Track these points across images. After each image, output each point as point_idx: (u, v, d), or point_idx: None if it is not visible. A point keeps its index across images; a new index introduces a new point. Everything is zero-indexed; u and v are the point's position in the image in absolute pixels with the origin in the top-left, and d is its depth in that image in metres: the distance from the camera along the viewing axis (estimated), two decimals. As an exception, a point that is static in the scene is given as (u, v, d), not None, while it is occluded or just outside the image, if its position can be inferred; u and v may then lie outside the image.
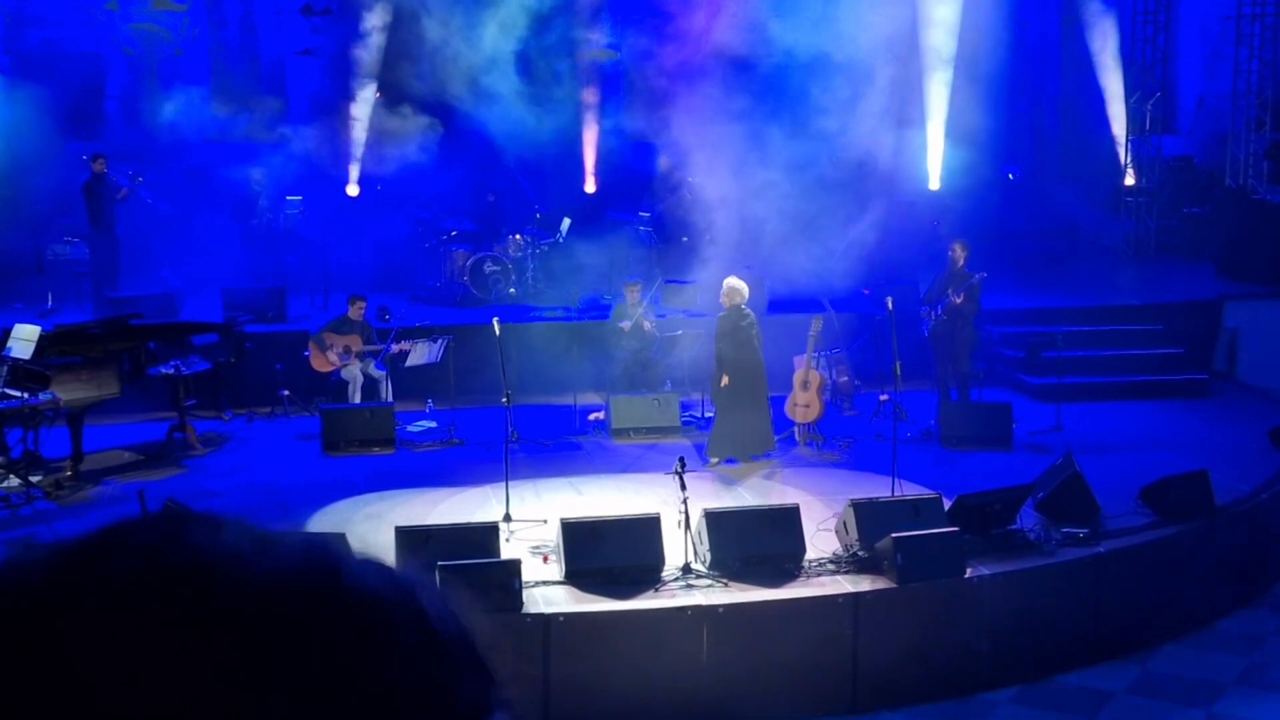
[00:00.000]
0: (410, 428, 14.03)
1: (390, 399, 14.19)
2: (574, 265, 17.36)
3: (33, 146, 19.97)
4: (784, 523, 10.35)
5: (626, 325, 14.61)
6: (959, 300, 13.97)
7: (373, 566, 0.88)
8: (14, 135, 20.28)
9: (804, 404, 13.46)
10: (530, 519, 11.14)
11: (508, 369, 12.22)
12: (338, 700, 0.80)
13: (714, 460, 12.75)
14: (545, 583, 9.91)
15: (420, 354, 14.26)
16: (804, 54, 16.99)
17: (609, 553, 9.99)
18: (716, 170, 18.06)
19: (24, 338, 12.08)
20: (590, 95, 19.58)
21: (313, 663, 0.80)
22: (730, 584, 9.92)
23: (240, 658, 0.79)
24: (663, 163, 19.05)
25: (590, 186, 19.57)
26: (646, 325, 14.64)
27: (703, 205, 18.39)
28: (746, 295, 12.98)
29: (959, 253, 14.34)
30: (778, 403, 13.77)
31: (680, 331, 15.07)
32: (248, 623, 0.80)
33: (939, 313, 14.14)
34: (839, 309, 15.09)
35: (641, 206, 18.63)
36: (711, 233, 18.08)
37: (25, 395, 11.67)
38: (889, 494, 11.22)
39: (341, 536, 9.90)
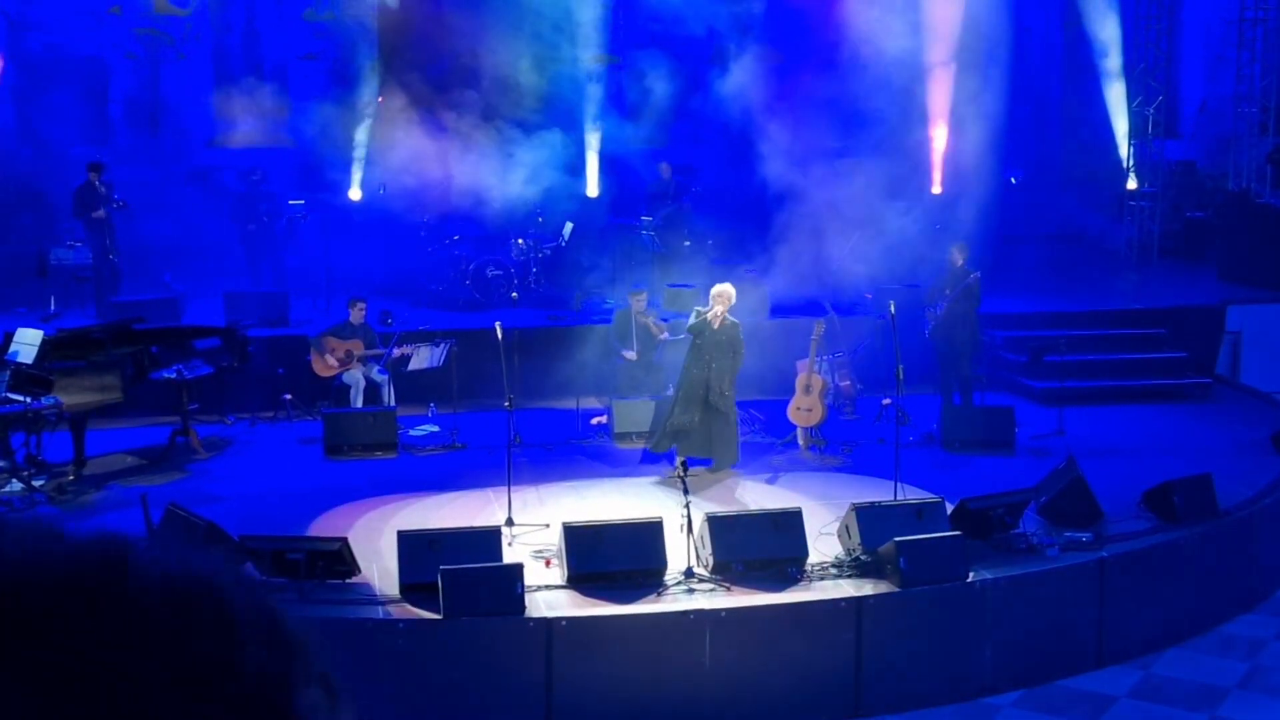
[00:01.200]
0: (412, 432, 14.03)
1: (392, 403, 14.19)
2: (576, 269, 17.36)
3: (36, 151, 20.02)
4: (786, 527, 10.35)
5: (631, 355, 14.54)
6: (948, 292, 13.98)
7: (163, 556, 0.89)
8: (17, 139, 20.31)
9: (806, 408, 13.45)
10: (533, 523, 11.14)
11: (510, 373, 12.22)
12: (122, 685, 0.81)
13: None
14: (548, 587, 9.90)
15: (422, 358, 14.26)
16: (805, 55, 16.97)
17: (611, 557, 9.98)
18: (719, 175, 18.09)
19: (27, 342, 12.09)
20: (592, 100, 19.58)
21: (93, 652, 0.81)
22: (733, 588, 9.92)
23: (15, 654, 0.80)
24: (664, 169, 19.05)
25: (593, 191, 19.57)
26: (654, 329, 14.60)
27: (705, 209, 18.43)
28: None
29: (957, 255, 14.34)
30: (780, 406, 13.78)
31: (684, 335, 15.04)
32: (22, 624, 0.81)
33: (938, 312, 14.15)
34: (841, 313, 15.08)
35: (644, 211, 18.63)
36: (714, 237, 18.12)
37: (28, 399, 11.68)
38: (891, 498, 11.21)
39: (344, 541, 9.93)
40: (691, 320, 12.66)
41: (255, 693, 0.86)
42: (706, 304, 12.63)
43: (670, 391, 13.17)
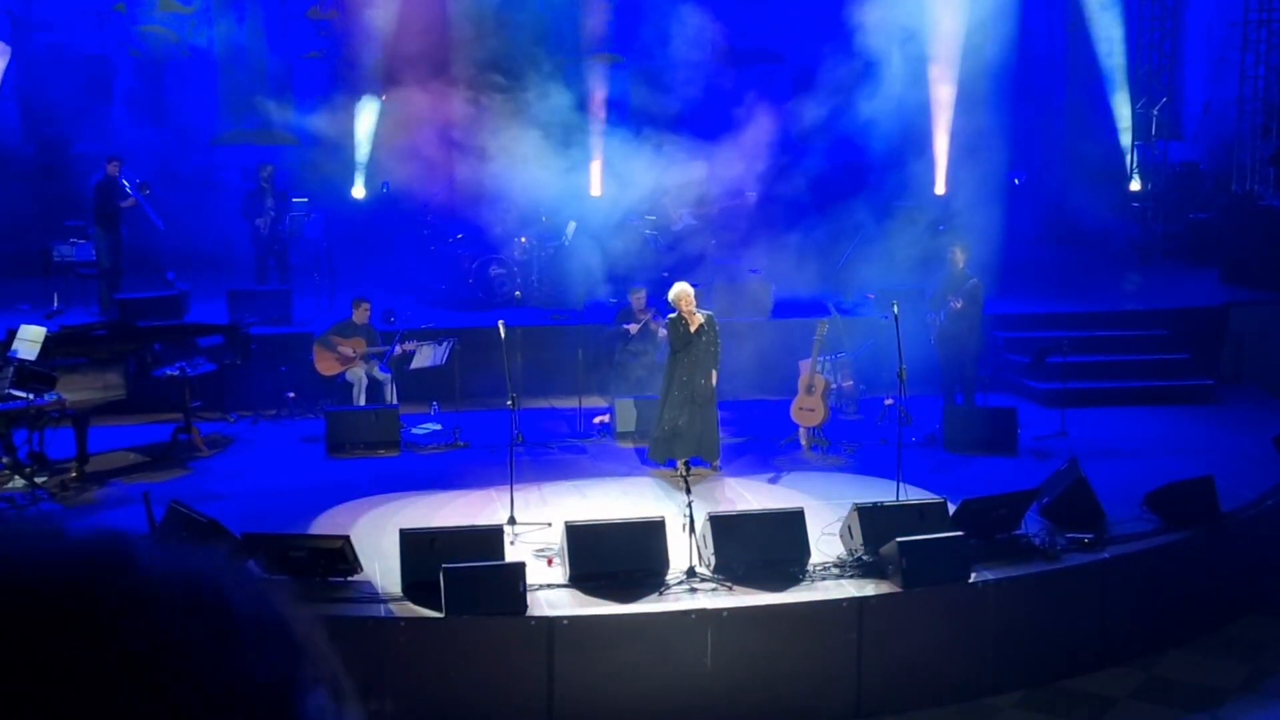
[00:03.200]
0: (415, 430, 14.04)
1: (395, 401, 14.20)
2: (579, 268, 17.36)
3: (41, 148, 20.03)
4: (789, 527, 10.34)
5: (634, 327, 14.57)
6: (958, 305, 13.96)
7: (166, 555, 0.89)
8: (22, 136, 20.32)
9: (809, 408, 13.45)
10: (535, 522, 11.14)
11: (513, 372, 12.22)
12: (123, 686, 0.80)
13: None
14: (549, 586, 9.90)
15: (425, 356, 14.26)
16: (806, 56, 16.97)
17: (613, 556, 9.98)
18: (719, 174, 18.08)
19: (30, 339, 12.10)
20: (596, 98, 19.58)
21: (93, 653, 0.80)
22: (734, 588, 9.91)
23: (17, 655, 0.79)
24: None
25: (596, 190, 19.57)
26: (654, 327, 14.61)
27: (705, 209, 18.42)
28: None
29: (959, 256, 14.33)
30: (783, 406, 13.78)
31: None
32: (24, 623, 0.80)
33: (941, 319, 14.13)
34: (844, 313, 15.07)
35: (648, 210, 18.62)
36: (714, 236, 18.12)
37: (31, 396, 11.69)
38: (894, 498, 11.20)
39: (346, 539, 9.94)
40: (670, 336, 12.59)
41: (260, 694, 0.85)
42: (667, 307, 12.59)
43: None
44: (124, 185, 16.47)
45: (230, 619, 0.87)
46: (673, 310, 12.57)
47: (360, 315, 14.57)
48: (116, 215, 16.46)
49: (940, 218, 18.14)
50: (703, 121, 18.11)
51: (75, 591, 0.83)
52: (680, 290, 12.47)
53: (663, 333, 14.29)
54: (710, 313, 12.64)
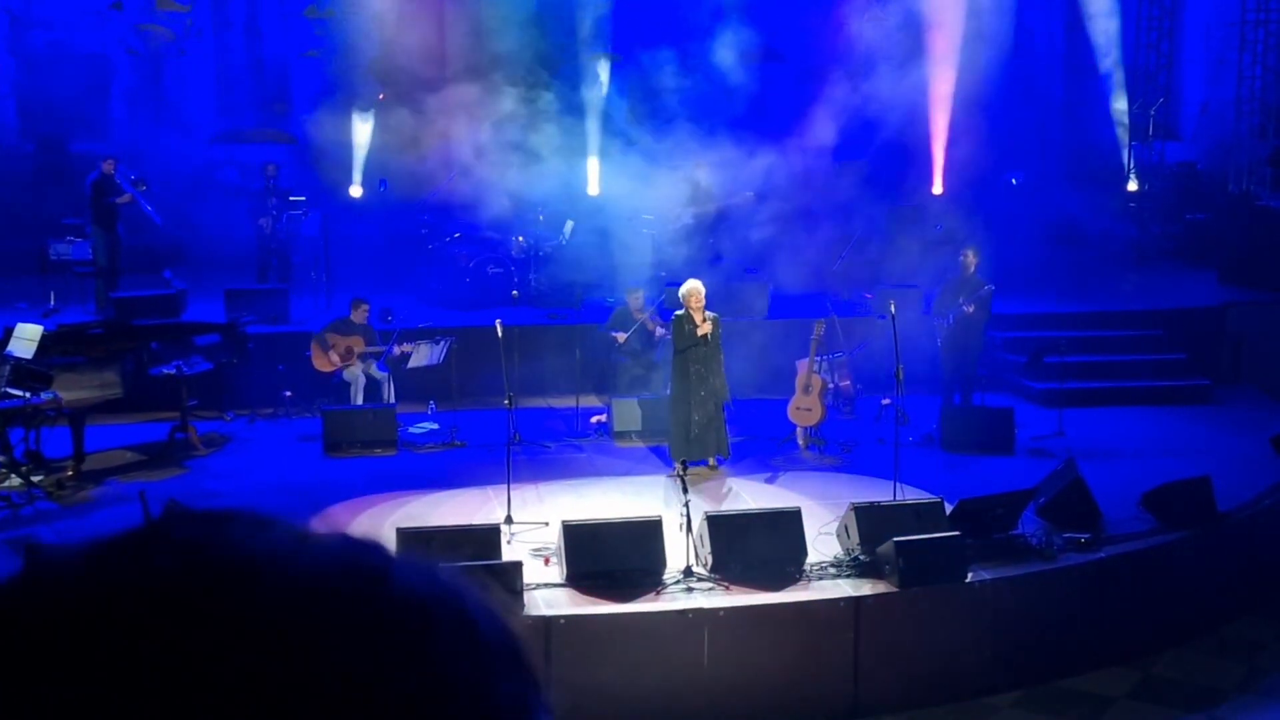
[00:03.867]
0: (412, 429, 14.03)
1: (392, 400, 14.19)
2: (577, 267, 17.35)
3: (39, 147, 20.02)
4: (785, 526, 10.34)
5: (621, 337, 14.55)
6: (970, 310, 13.96)
7: (418, 567, 0.86)
8: (19, 135, 20.31)
9: (806, 408, 13.45)
10: (532, 521, 11.14)
11: (510, 371, 12.22)
12: (379, 702, 0.78)
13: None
14: (546, 585, 9.91)
15: (422, 355, 14.26)
16: (805, 55, 16.97)
17: (610, 555, 9.98)
18: (719, 173, 18.08)
19: (26, 337, 12.09)
20: (593, 98, 19.57)
21: (354, 664, 0.78)
22: (731, 587, 9.92)
23: (281, 657, 0.77)
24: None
25: (594, 189, 19.57)
26: (651, 327, 14.61)
27: (703, 209, 18.41)
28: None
29: (971, 259, 14.30)
30: (780, 406, 13.78)
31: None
32: (290, 623, 0.79)
33: (949, 322, 14.11)
34: (841, 313, 15.08)
35: (645, 210, 18.61)
36: (715, 237, 18.10)
37: (27, 395, 11.68)
38: (890, 498, 11.20)
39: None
40: (674, 335, 12.58)
41: (502, 717, 0.84)
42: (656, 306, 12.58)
43: (668, 393, 13.12)
44: (119, 183, 16.45)
45: (480, 642, 0.85)
46: (678, 308, 12.55)
47: (359, 316, 14.56)
48: (112, 213, 16.43)
49: (938, 218, 18.16)
50: (701, 121, 18.09)
51: (337, 596, 0.81)
52: (691, 288, 12.45)
53: (660, 331, 14.30)
54: (716, 315, 12.64)
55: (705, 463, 12.59)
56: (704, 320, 12.35)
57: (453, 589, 0.86)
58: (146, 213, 16.54)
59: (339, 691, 0.77)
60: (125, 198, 16.34)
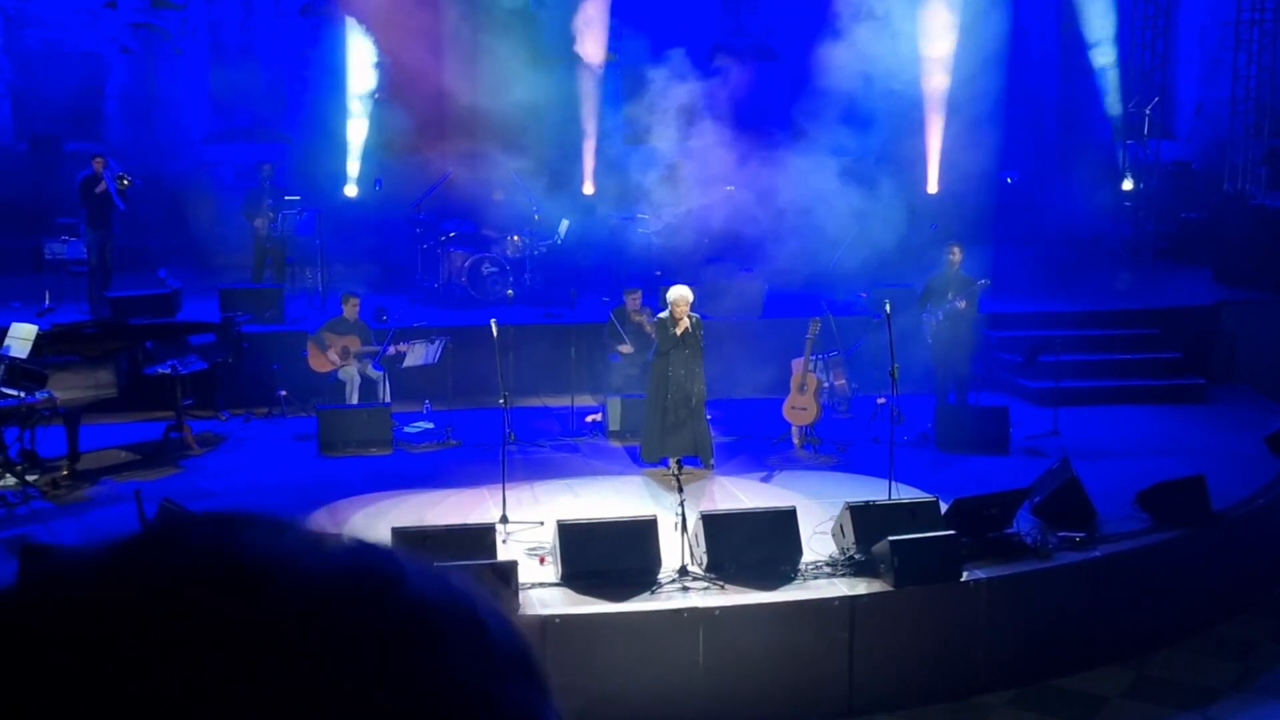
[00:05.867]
0: (407, 429, 14.01)
1: (388, 400, 14.19)
2: (572, 267, 17.35)
3: (33, 145, 19.99)
4: (781, 525, 10.35)
5: (626, 349, 14.55)
6: (962, 305, 13.97)
7: (430, 573, 0.87)
8: (14, 134, 20.28)
9: (801, 407, 13.46)
10: (527, 520, 11.14)
11: (505, 370, 12.22)
12: (389, 707, 0.79)
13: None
14: (541, 584, 9.91)
15: (418, 355, 14.26)
16: (799, 53, 16.97)
17: (605, 555, 9.98)
18: (717, 173, 18.08)
19: (21, 336, 12.08)
20: (589, 97, 19.57)
21: (365, 669, 0.79)
22: (726, 586, 9.92)
23: (293, 661, 0.77)
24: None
25: (589, 189, 19.57)
26: (648, 327, 14.60)
27: (701, 208, 18.42)
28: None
29: (957, 255, 14.34)
30: (775, 405, 13.78)
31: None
32: (302, 626, 0.79)
33: (939, 318, 14.13)
34: (836, 312, 15.09)
35: (641, 209, 18.63)
36: (709, 235, 18.12)
37: (22, 394, 11.67)
38: (886, 497, 11.20)
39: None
40: (658, 336, 12.58)
41: None
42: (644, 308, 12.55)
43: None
44: (105, 178, 16.33)
45: (491, 648, 0.85)
46: (664, 310, 12.56)
47: (350, 310, 14.55)
48: (102, 211, 16.36)
49: (933, 216, 18.17)
50: (698, 120, 18.09)
51: (349, 600, 0.81)
52: (679, 294, 12.44)
53: (649, 328, 14.31)
54: (698, 316, 12.64)
55: (667, 463, 12.36)
56: (684, 319, 12.29)
57: (464, 595, 0.86)
58: (114, 200, 16.28)
59: (350, 696, 0.78)
60: (101, 186, 16.16)
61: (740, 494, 12.15)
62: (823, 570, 10.20)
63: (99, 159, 16.45)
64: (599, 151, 19.62)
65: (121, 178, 16.21)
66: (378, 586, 0.83)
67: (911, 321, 14.19)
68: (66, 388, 12.07)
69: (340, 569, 0.83)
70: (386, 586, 0.83)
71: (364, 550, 0.86)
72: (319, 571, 0.82)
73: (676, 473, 10.48)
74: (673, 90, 17.97)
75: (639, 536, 10.12)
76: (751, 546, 10.18)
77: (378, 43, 18.72)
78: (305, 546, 0.84)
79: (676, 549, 10.06)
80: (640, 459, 12.86)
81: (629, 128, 19.70)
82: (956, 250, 14.35)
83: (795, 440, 13.60)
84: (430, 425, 14.13)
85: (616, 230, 18.38)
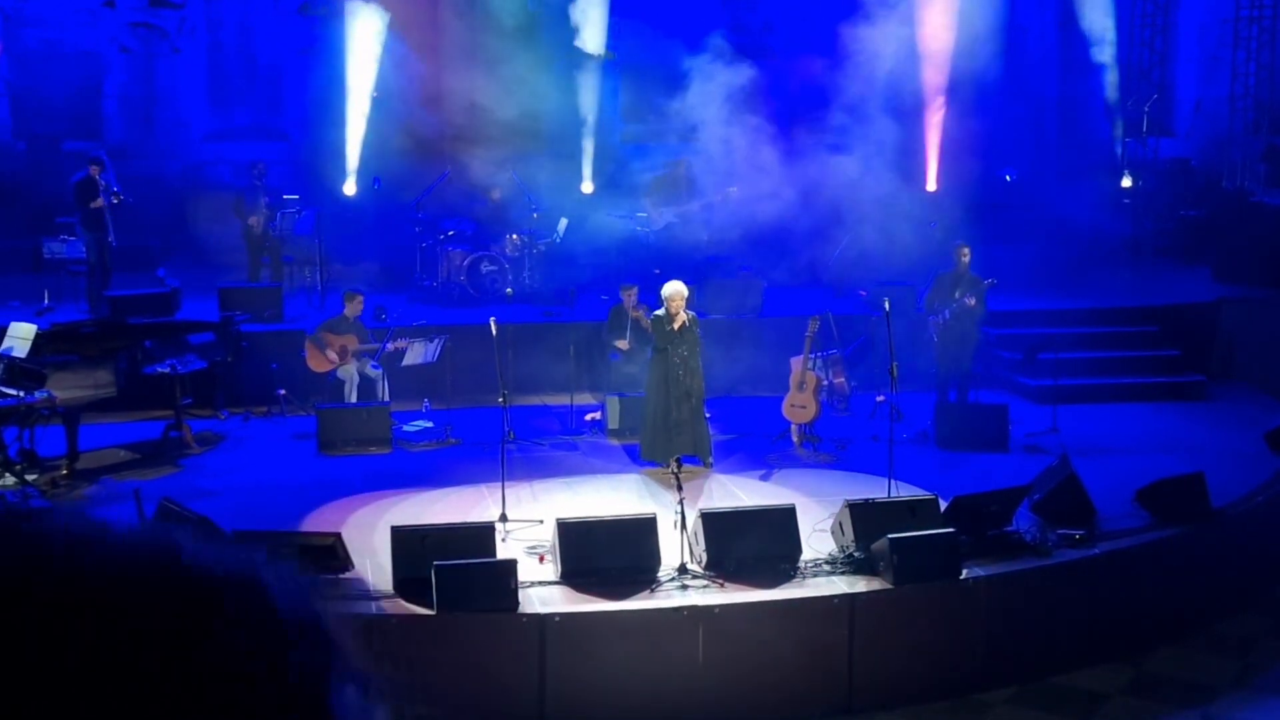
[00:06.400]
0: (406, 427, 14.01)
1: (387, 398, 14.19)
2: (571, 265, 17.34)
3: (31, 145, 19.98)
4: (780, 523, 10.35)
5: (624, 344, 14.55)
6: (972, 303, 13.97)
7: (209, 549, 0.91)
8: (12, 133, 20.27)
9: (800, 405, 13.46)
10: (526, 519, 11.13)
11: (504, 369, 12.21)
12: (171, 678, 0.83)
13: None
14: (541, 583, 9.90)
15: (417, 353, 14.25)
16: (796, 52, 16.97)
17: (605, 553, 9.98)
18: (714, 171, 18.09)
19: (20, 336, 12.09)
20: (588, 96, 19.56)
21: (145, 645, 0.83)
22: (726, 584, 9.92)
23: (73, 643, 0.81)
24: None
25: (588, 187, 19.56)
26: (646, 324, 14.60)
27: (701, 207, 18.42)
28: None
29: (966, 255, 14.32)
30: (775, 403, 13.78)
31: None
32: (80, 609, 0.83)
33: (946, 317, 14.12)
34: (835, 310, 15.09)
35: (639, 207, 18.63)
36: (709, 232, 18.12)
37: (21, 393, 11.67)
38: (885, 495, 11.20)
39: (337, 536, 9.93)
40: (655, 332, 12.56)
41: (297, 689, 0.88)
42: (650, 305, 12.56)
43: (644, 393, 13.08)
44: (101, 186, 16.28)
45: (271, 615, 0.90)
46: (660, 307, 12.56)
47: (353, 308, 14.54)
48: (96, 216, 16.36)
49: (932, 214, 18.16)
50: (695, 119, 18.09)
51: (128, 583, 0.85)
52: (675, 290, 12.45)
53: (646, 324, 14.31)
54: (694, 314, 12.64)
55: (660, 464, 12.34)
56: (680, 316, 12.30)
57: (244, 566, 0.92)
58: (105, 222, 16.25)
59: (134, 664, 0.82)
60: (97, 202, 16.15)
61: (739, 492, 12.15)
62: (822, 568, 10.20)
63: (95, 165, 16.40)
64: (598, 150, 19.60)
65: (115, 195, 16.17)
66: (154, 567, 0.88)
67: (914, 320, 14.19)
68: (66, 387, 12.07)
69: (116, 553, 0.88)
70: (163, 567, 0.88)
71: (140, 534, 0.91)
72: (94, 558, 0.87)
73: (676, 471, 10.48)
74: (671, 89, 17.97)
75: (638, 534, 10.12)
76: (751, 544, 10.18)
77: (378, 41, 18.68)
78: (83, 534, 0.89)
79: (676, 547, 10.06)
80: (639, 457, 12.87)
81: (628, 126, 19.69)
82: (966, 250, 14.33)
83: (794, 438, 13.60)
84: (429, 424, 14.13)
85: (616, 229, 18.36)
